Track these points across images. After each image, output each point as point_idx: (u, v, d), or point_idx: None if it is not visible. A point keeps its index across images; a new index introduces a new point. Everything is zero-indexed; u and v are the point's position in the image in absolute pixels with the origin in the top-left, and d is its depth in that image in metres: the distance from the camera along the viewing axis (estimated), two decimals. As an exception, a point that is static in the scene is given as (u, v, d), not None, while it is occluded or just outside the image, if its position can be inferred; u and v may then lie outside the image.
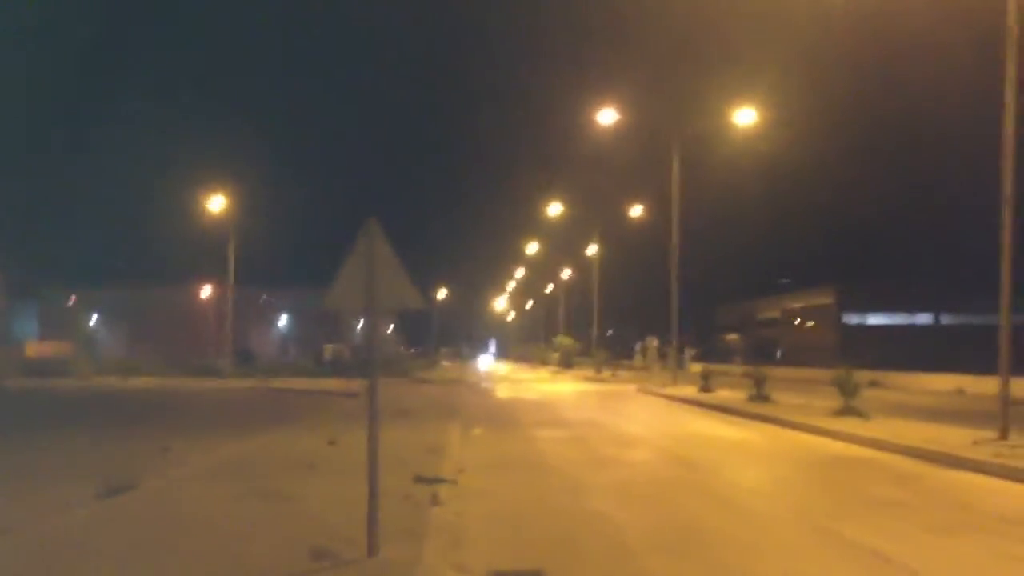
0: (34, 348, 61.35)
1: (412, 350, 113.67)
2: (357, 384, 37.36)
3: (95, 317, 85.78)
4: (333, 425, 18.09)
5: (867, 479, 12.36)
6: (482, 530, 8.83)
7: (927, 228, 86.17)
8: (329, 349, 55.31)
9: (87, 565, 6.88)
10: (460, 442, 16.16)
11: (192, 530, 8.15)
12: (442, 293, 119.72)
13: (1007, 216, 15.25)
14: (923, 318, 76.86)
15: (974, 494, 10.94)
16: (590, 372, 57.21)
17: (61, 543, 7.57)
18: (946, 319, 76.10)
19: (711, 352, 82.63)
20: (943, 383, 40.49)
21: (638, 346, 73.63)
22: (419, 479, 10.97)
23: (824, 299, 78.32)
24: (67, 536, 7.83)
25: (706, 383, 32.83)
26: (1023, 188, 15.55)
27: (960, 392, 37.35)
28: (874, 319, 76.82)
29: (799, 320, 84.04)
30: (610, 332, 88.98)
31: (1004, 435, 14.63)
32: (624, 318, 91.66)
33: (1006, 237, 15.25)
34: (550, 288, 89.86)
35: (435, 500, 9.60)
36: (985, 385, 36.83)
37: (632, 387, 39.95)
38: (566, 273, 78.51)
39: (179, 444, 14.99)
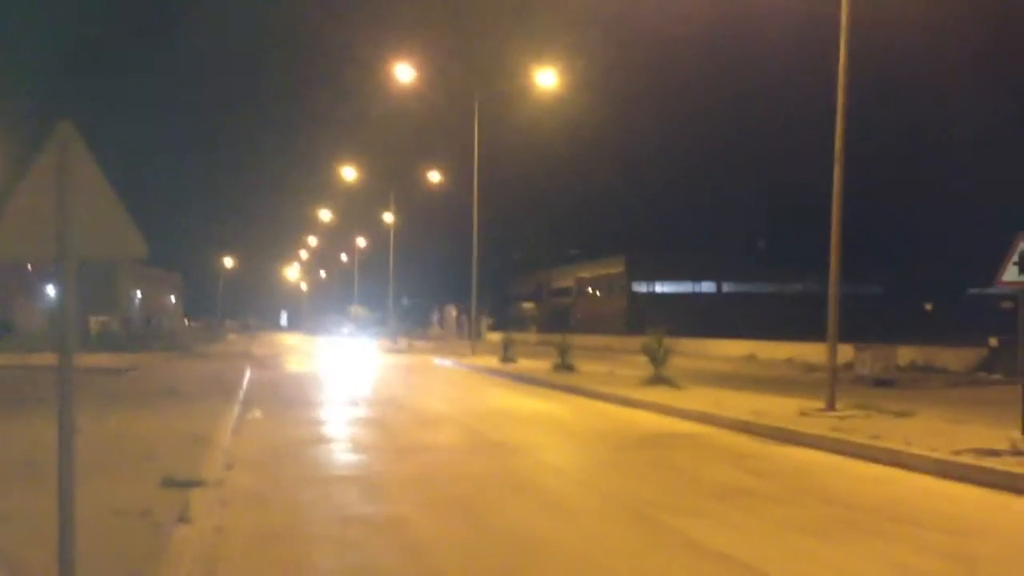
0: None
1: (194, 323, 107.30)
2: (128, 359, 33.67)
3: None
4: (83, 409, 15.15)
5: (703, 460, 11.02)
6: (244, 557, 6.62)
7: (710, 201, 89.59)
8: (94, 321, 49.97)
9: None
10: (234, 428, 13.71)
11: None
12: (229, 262, 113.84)
13: (837, 181, 14.40)
14: (706, 286, 79.69)
15: (830, 479, 9.66)
16: (387, 342, 55.13)
17: None
18: (727, 288, 79.27)
19: (507, 321, 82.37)
20: (733, 348, 41.41)
21: (436, 315, 72.17)
22: (168, 483, 8.60)
23: (614, 268, 79.64)
24: None
25: (507, 353, 31.61)
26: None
27: (752, 357, 38.09)
28: (661, 287, 78.93)
29: (591, 289, 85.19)
30: (407, 301, 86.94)
31: (832, 406, 13.85)
32: (421, 287, 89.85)
33: (836, 208, 14.44)
34: (346, 257, 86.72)
35: (183, 515, 7.31)
36: (774, 350, 37.95)
37: (431, 357, 38.35)
38: (362, 241, 75.74)
39: None
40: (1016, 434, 10.76)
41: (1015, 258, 11.09)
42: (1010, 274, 11.23)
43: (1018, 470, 9.05)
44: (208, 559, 6.45)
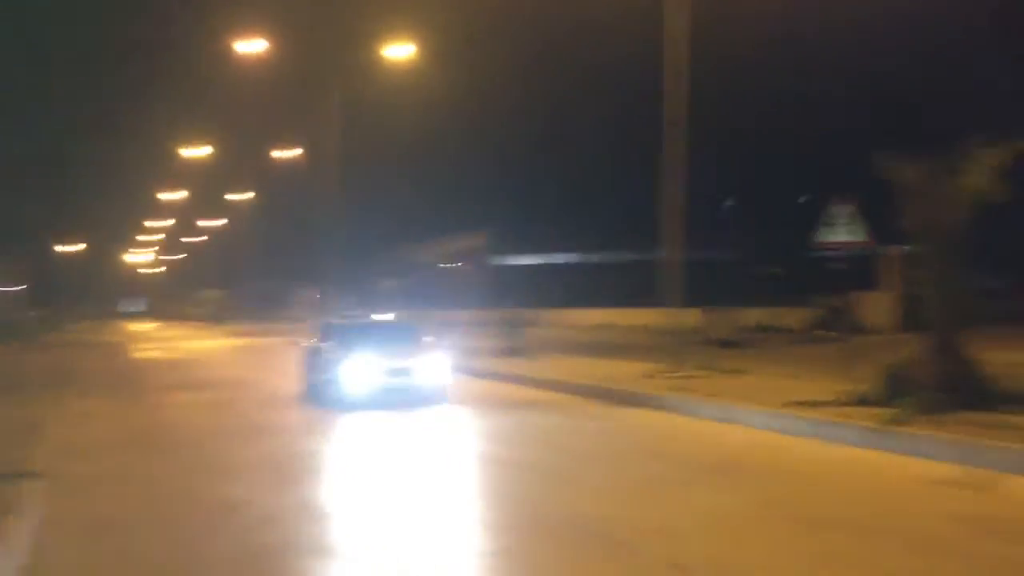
0: None
1: (41, 311, 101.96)
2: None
3: None
4: None
5: (547, 425, 11.27)
6: (74, 547, 6.39)
7: (570, 172, 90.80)
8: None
9: None
10: (71, 417, 13.18)
11: None
12: (77, 246, 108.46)
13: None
14: (568, 257, 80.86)
15: (664, 437, 10.07)
16: (243, 327, 53.77)
17: None
18: (589, 258, 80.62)
19: (369, 299, 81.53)
20: (592, 318, 42.33)
21: (296, 297, 70.92)
22: (-8, 476, 8.19)
23: (475, 242, 79.83)
24: None
25: (368, 331, 31.26)
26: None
27: (611, 325, 39.05)
28: (522, 260, 79.64)
29: (453, 263, 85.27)
30: (267, 283, 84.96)
31: (676, 367, 14.36)
32: (280, 268, 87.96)
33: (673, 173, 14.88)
34: (201, 239, 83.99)
35: (9, 506, 6.99)
36: (632, 317, 38.95)
37: (290, 341, 37.50)
38: (220, 222, 73.46)
39: None
40: (843, 386, 11.35)
41: (825, 219, 11.79)
42: (823, 235, 11.92)
43: (838, 419, 9.63)
44: (35, 551, 6.22)
